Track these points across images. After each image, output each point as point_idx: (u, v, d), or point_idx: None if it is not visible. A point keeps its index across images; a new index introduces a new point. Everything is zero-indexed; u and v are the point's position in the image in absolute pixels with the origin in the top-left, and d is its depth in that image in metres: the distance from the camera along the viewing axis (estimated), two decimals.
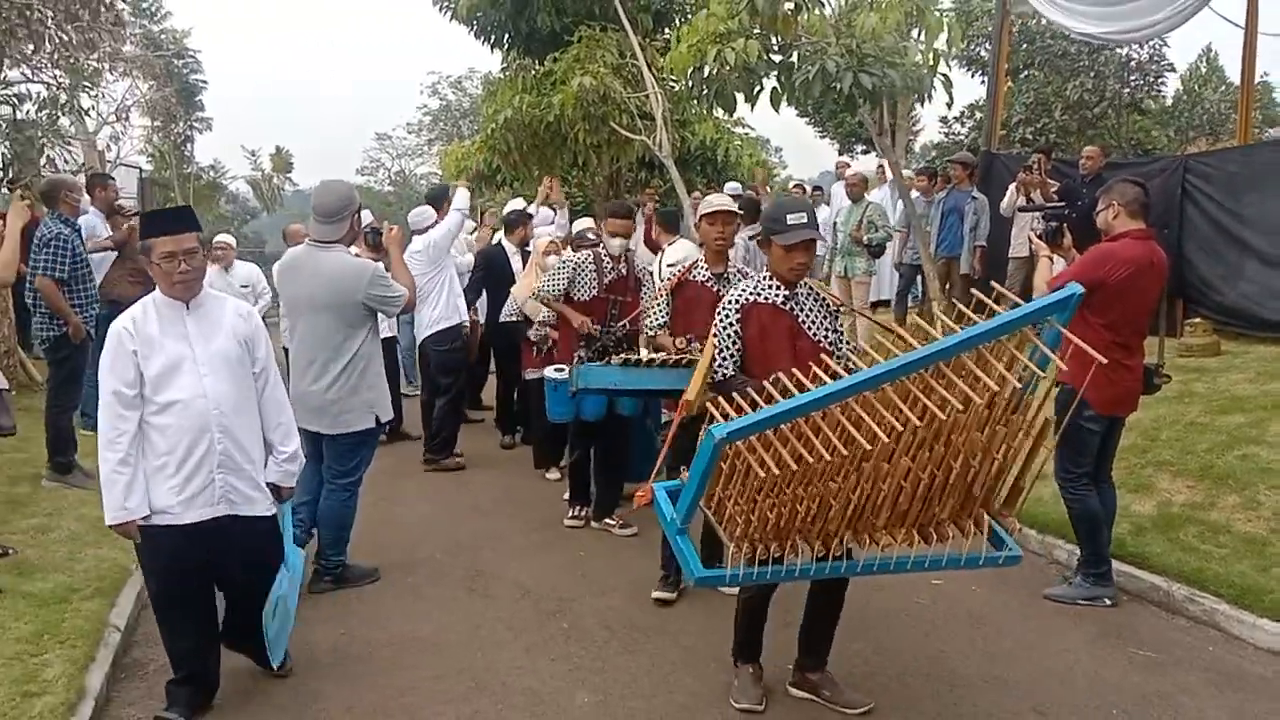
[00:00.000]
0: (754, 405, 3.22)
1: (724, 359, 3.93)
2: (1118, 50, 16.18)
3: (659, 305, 5.24)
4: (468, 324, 7.79)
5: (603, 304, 6.13)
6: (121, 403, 3.51)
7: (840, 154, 29.81)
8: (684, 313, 5.16)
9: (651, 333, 5.30)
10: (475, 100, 32.19)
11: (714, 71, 8.09)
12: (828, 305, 4.02)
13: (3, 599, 4.44)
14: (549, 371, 6.26)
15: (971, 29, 19.00)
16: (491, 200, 19.31)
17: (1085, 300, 4.64)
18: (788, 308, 3.92)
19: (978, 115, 21.72)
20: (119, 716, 3.85)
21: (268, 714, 3.87)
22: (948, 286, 10.13)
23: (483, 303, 8.36)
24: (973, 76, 21.58)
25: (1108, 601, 5.06)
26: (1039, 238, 5.51)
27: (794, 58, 8.21)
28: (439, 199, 7.78)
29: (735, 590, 4.99)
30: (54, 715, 3.49)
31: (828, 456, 3.07)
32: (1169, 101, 22.05)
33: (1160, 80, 17.42)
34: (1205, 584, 4.99)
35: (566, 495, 6.47)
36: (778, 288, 3.93)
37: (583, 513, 6.25)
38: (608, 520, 6.16)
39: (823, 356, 3.40)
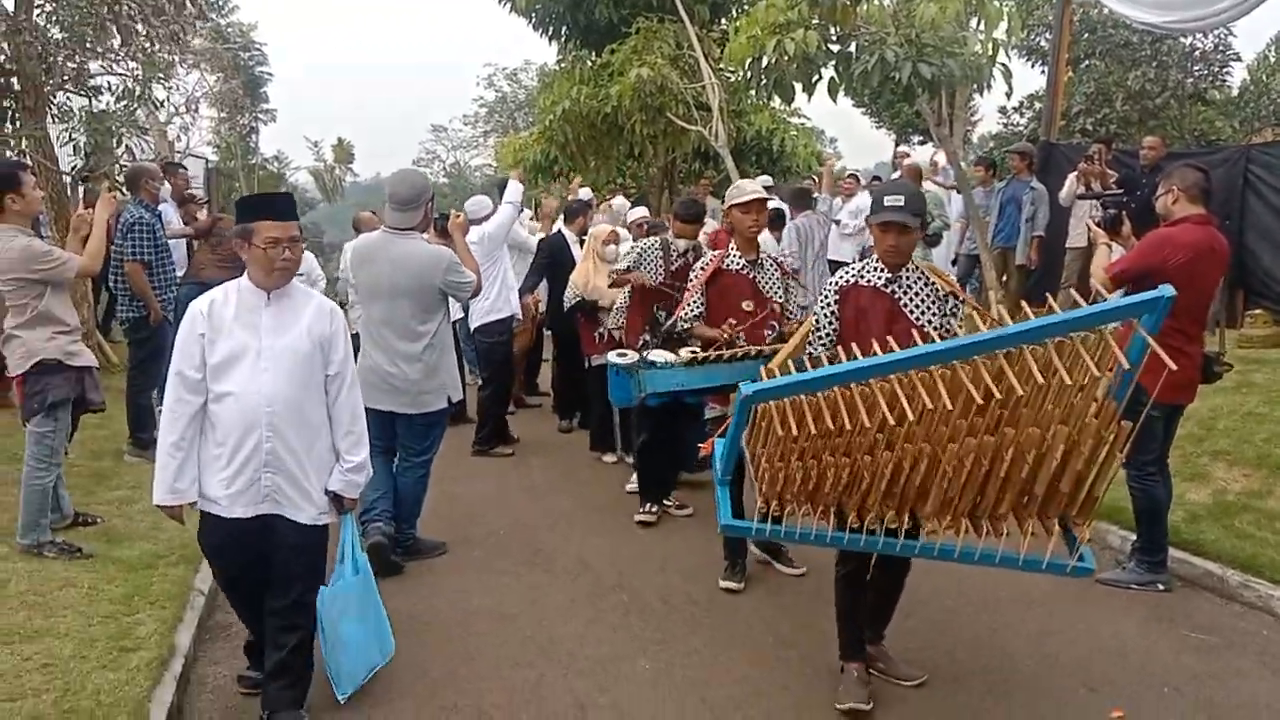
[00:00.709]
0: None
1: (817, 338, 3.97)
2: (1181, 40, 15.92)
3: (694, 297, 5.27)
4: (519, 318, 7.95)
5: (668, 290, 6.20)
6: (185, 385, 3.43)
7: (896, 144, 29.69)
8: (720, 303, 5.22)
9: (686, 324, 5.32)
10: (531, 92, 32.42)
11: (772, 62, 8.16)
12: (938, 289, 3.92)
13: (94, 564, 4.68)
14: (612, 356, 6.20)
15: (1032, 18, 18.79)
16: (548, 190, 19.54)
17: (1143, 286, 4.72)
18: (889, 290, 3.87)
19: (1037, 106, 21.45)
20: (206, 673, 4.07)
21: None
22: (1004, 278, 10.13)
23: (544, 290, 8.54)
24: (1032, 66, 21.30)
25: (1161, 587, 5.09)
26: (1097, 225, 5.52)
27: (852, 48, 8.25)
28: (503, 190, 7.96)
29: (796, 571, 5.19)
30: (149, 668, 3.71)
31: (848, 426, 3.17)
32: (1234, 92, 21.63)
33: (1225, 70, 17.12)
34: (1260, 570, 5.02)
35: (631, 486, 6.50)
36: (880, 270, 3.89)
37: (655, 510, 6.10)
38: (665, 501, 6.22)
39: (914, 333, 3.41)
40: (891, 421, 3.13)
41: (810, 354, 3.92)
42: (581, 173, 16.97)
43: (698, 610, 4.74)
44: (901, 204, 3.78)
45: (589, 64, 16.32)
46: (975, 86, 8.81)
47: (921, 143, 26.60)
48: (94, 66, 9.33)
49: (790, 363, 3.78)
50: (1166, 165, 8.78)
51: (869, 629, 4.07)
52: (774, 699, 3.89)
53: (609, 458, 7.55)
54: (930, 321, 3.86)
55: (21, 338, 4.60)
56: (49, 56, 7.81)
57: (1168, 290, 3.21)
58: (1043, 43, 19.77)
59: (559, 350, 8.68)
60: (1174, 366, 3.06)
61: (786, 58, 8.01)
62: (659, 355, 5.31)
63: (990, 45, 8.05)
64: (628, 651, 4.29)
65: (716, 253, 5.49)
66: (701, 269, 5.39)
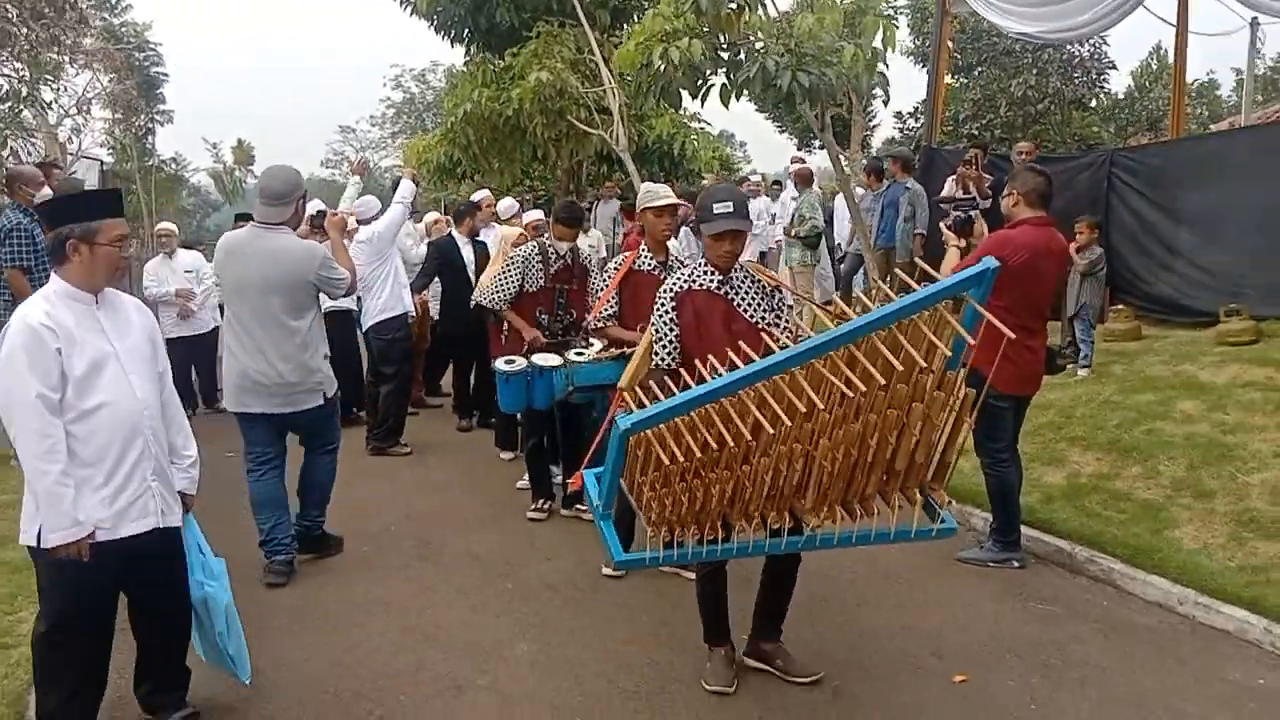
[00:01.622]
0: (670, 394, 3.35)
1: (661, 346, 4.05)
2: (1060, 49, 16.68)
3: (607, 299, 5.37)
4: (413, 314, 8.05)
5: (550, 294, 6.31)
6: (48, 408, 3.16)
7: (799, 148, 30.42)
8: (633, 302, 5.31)
9: (600, 324, 5.43)
10: (439, 94, 32.31)
11: (660, 69, 8.40)
12: (764, 286, 4.10)
13: None
14: (499, 364, 6.13)
15: (925, 26, 19.49)
16: (454, 193, 19.56)
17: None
18: (722, 292, 4.01)
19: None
20: None
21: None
22: (888, 277, 10.56)
23: (438, 292, 8.66)
24: (927, 73, 22.09)
25: (1016, 564, 5.43)
26: (948, 228, 5.87)
27: (740, 57, 8.54)
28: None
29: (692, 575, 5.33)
30: (29, 663, 3.76)
31: (730, 442, 3.22)
32: (1115, 98, 22.70)
33: (1103, 77, 17.97)
34: (1104, 545, 5.40)
35: (523, 483, 6.59)
36: (711, 273, 4.02)
37: (545, 505, 6.25)
38: (578, 507, 6.17)
39: (763, 336, 3.51)
40: (769, 429, 3.21)
41: (663, 364, 4.00)
42: (484, 174, 17.11)
43: (579, 595, 4.95)
44: (731, 210, 3.93)
45: (491, 67, 16.43)
46: (860, 93, 9.13)
47: (822, 147, 27.31)
48: None
49: (651, 382, 3.68)
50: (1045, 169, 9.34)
51: (766, 627, 4.16)
52: (643, 673, 4.12)
53: (505, 455, 7.70)
54: (763, 318, 4.02)
55: None
56: None
57: (991, 263, 3.43)
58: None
59: (454, 351, 8.80)
60: (1010, 335, 3.22)
61: (672, 65, 8.25)
62: (541, 358, 5.56)
63: (865, 55, 8.37)
64: (509, 636, 4.48)
65: (628, 254, 5.57)
66: (615, 269, 5.47)
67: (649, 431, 3.35)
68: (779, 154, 37.97)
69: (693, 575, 4.93)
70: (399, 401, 7.98)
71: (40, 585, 3.39)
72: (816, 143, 27.88)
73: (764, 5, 8.72)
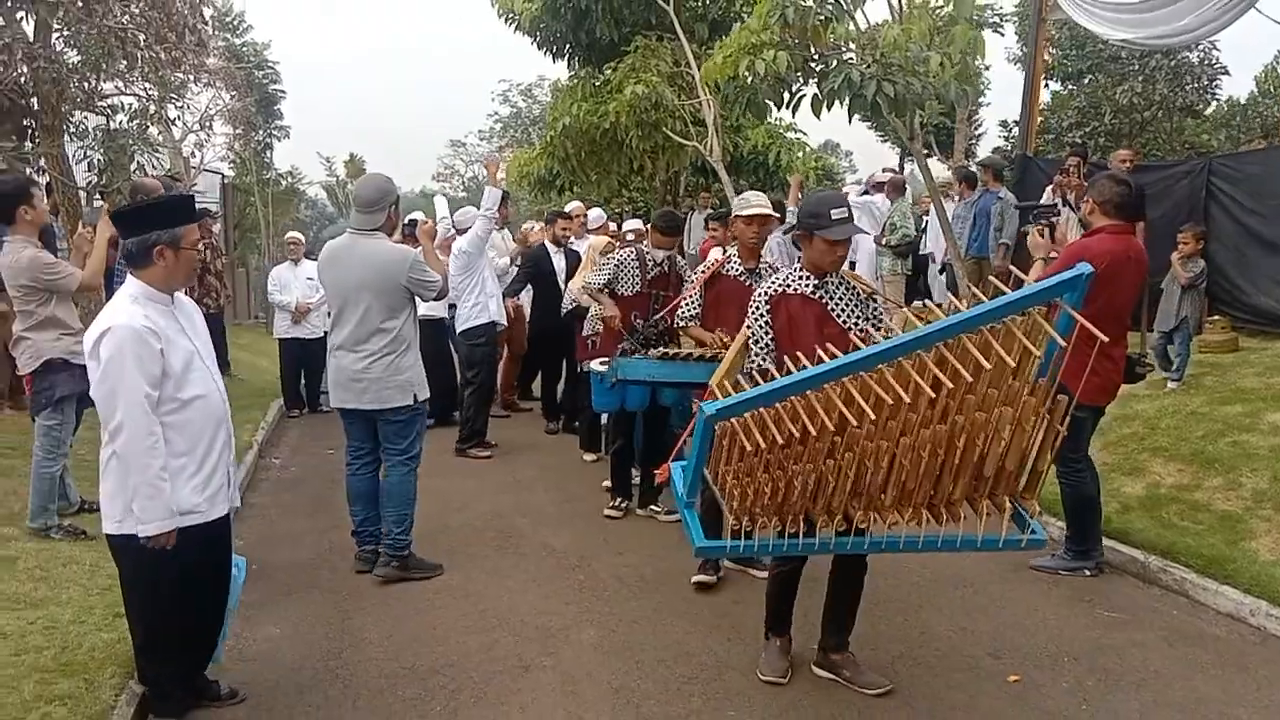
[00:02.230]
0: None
1: (758, 349, 4.13)
2: (1173, 54, 16.24)
3: (691, 298, 5.54)
4: (502, 323, 8.36)
5: (645, 299, 6.47)
6: (151, 405, 3.38)
7: (901, 157, 30.16)
8: (716, 306, 5.46)
9: (683, 324, 5.59)
10: (544, 108, 33.01)
11: (746, 81, 8.57)
12: (859, 293, 4.16)
13: (96, 544, 5.07)
14: (594, 364, 6.37)
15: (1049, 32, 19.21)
16: (556, 205, 20.01)
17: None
18: (817, 297, 4.08)
19: (1038, 119, 21.88)
20: None
21: (318, 644, 4.48)
22: (980, 284, 10.49)
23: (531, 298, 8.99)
24: (1023, 81, 21.61)
25: (1088, 573, 5.41)
26: (1037, 233, 5.87)
27: (826, 67, 8.65)
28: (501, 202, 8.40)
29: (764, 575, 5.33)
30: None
31: (814, 434, 3.27)
32: (1236, 104, 21.90)
33: (1215, 83, 17.42)
34: (1178, 555, 5.36)
35: (607, 483, 6.78)
36: (807, 278, 4.10)
37: (623, 505, 6.46)
38: (652, 507, 6.39)
39: (853, 340, 3.58)
40: (853, 422, 3.25)
41: (756, 365, 4.07)
42: (583, 186, 17.51)
43: (646, 587, 5.14)
44: (847, 216, 3.99)
45: (591, 81, 16.81)
46: (947, 102, 9.14)
47: (928, 156, 27.00)
48: (109, 87, 9.88)
49: (740, 377, 3.85)
50: (1142, 177, 9.21)
51: (833, 636, 4.17)
52: (700, 660, 4.28)
53: (589, 457, 7.94)
54: (856, 323, 4.06)
55: (31, 339, 5.05)
56: (65, 79, 8.34)
57: (1085, 268, 3.43)
58: (1046, 56, 20.19)
59: (543, 356, 9.09)
60: (1103, 337, 3.23)
61: (758, 77, 8.41)
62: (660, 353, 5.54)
63: (953, 64, 8.39)
64: (576, 622, 4.70)
65: (719, 258, 5.71)
66: (702, 271, 5.62)
67: (735, 421, 3.42)
68: (884, 162, 37.38)
69: (759, 573, 5.16)
70: (481, 405, 8.27)
71: (123, 567, 3.61)
72: (922, 151, 27.59)
73: (851, 17, 8.85)
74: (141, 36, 7.63)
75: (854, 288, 4.18)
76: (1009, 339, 3.28)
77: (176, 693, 3.71)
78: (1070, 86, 19.76)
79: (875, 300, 4.24)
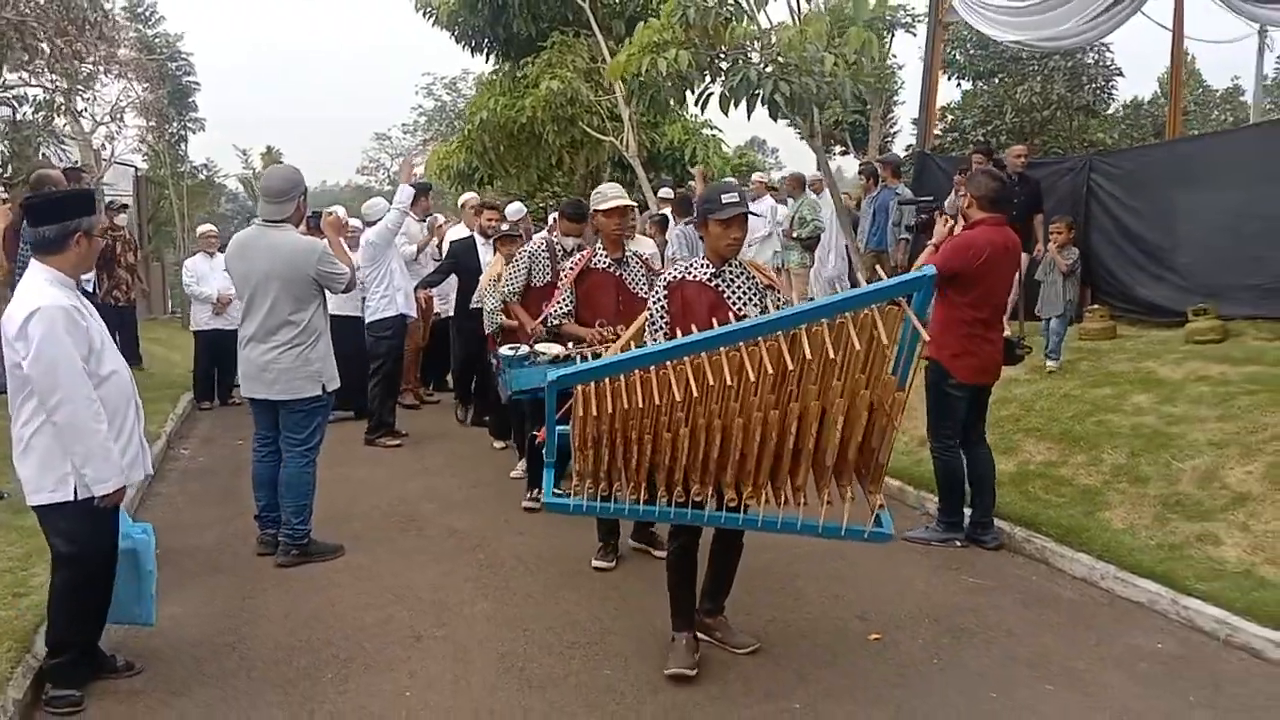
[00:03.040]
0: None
1: (652, 329, 4.27)
2: (1072, 55, 16.91)
3: (562, 296, 5.60)
4: (412, 315, 8.49)
5: (555, 289, 6.70)
6: (88, 374, 3.65)
7: (826, 152, 30.79)
8: (589, 299, 5.55)
9: (557, 322, 5.61)
10: (469, 101, 32.97)
11: (649, 78, 8.83)
12: (758, 283, 4.27)
13: (0, 530, 5.21)
14: (504, 350, 6.50)
15: (948, 33, 19.81)
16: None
17: (949, 281, 5.44)
18: (713, 284, 4.19)
19: (949, 117, 22.57)
20: None
21: (217, 622, 4.63)
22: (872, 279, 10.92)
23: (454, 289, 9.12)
24: (949, 80, 22.18)
25: (958, 543, 5.79)
26: (907, 227, 6.24)
27: (725, 66, 8.96)
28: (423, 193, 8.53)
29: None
30: (36, 609, 4.26)
31: (653, 402, 3.54)
32: (1139, 104, 22.89)
33: (1110, 84, 18.19)
34: (1039, 526, 5.76)
35: (516, 473, 6.95)
36: (705, 266, 4.22)
37: (538, 495, 6.31)
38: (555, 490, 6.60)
39: (715, 319, 3.76)
40: (678, 397, 3.51)
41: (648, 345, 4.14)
42: (502, 180, 17.65)
43: (542, 565, 5.37)
44: (738, 199, 4.13)
45: (508, 76, 16.97)
46: (845, 101, 9.49)
47: (843, 152, 27.64)
48: (13, 79, 9.79)
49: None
50: (1031, 173, 9.70)
51: (709, 601, 4.38)
52: (586, 628, 4.54)
53: (498, 444, 8.11)
54: (752, 312, 4.15)
55: None
56: None
57: (929, 270, 3.78)
58: (958, 56, 20.82)
59: (461, 346, 9.24)
60: (925, 337, 3.59)
61: (660, 75, 8.67)
62: (545, 347, 5.51)
63: (847, 65, 8.75)
64: (471, 597, 4.92)
65: (584, 252, 5.85)
66: (570, 268, 5.71)
67: (582, 387, 3.66)
68: (811, 160, 38.08)
69: (659, 554, 5.25)
70: (385, 396, 8.42)
71: (57, 539, 3.80)
72: (838, 149, 28.23)
73: (752, 18, 9.16)
74: (40, 29, 7.62)
75: (753, 278, 4.29)
76: (860, 333, 3.51)
77: (79, 664, 3.84)
78: (981, 85, 20.44)
79: (774, 290, 4.34)
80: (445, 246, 9.26)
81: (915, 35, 23.60)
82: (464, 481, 7.14)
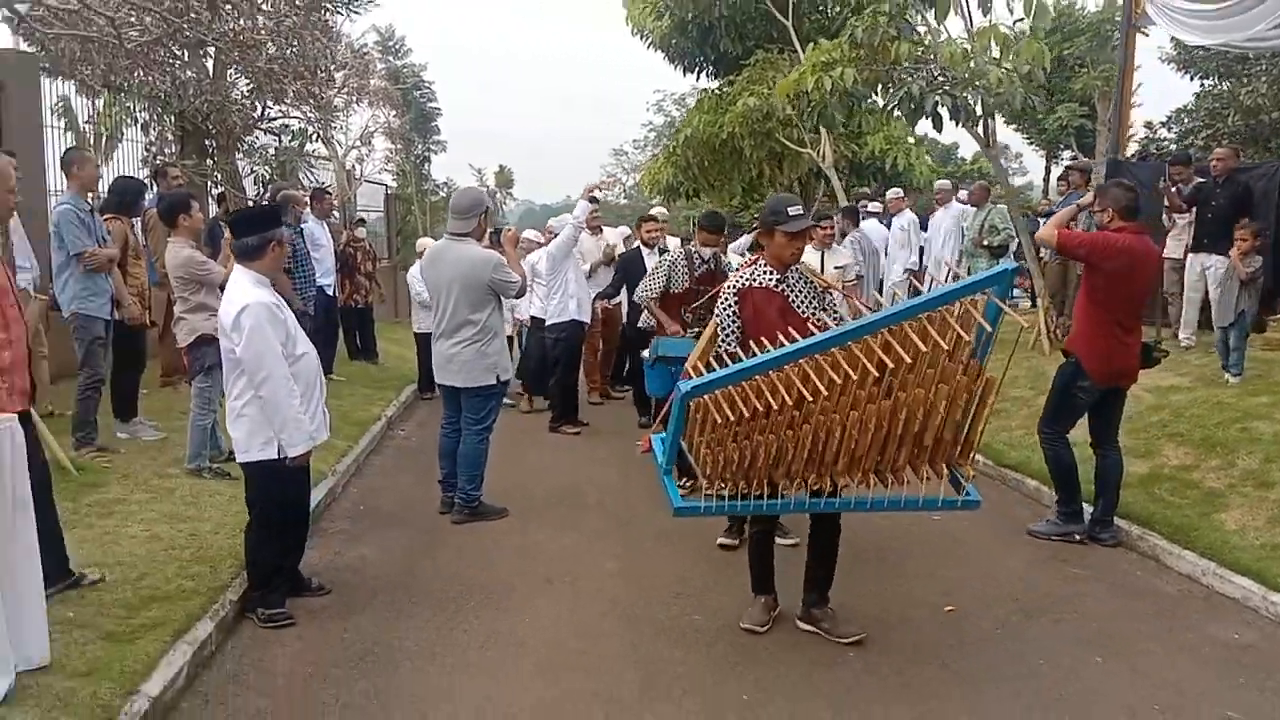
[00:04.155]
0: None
1: (726, 335, 4.64)
2: None
3: (725, 313, 6.07)
4: (583, 321, 9.32)
5: (693, 294, 7.34)
6: (286, 356, 4.50)
7: (1047, 159, 29.99)
8: (754, 319, 5.98)
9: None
10: (680, 119, 34.12)
11: (817, 95, 9.37)
12: (815, 287, 4.69)
13: (236, 483, 6.37)
14: (645, 354, 7.13)
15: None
16: (687, 210, 21.01)
17: (1088, 283, 5.75)
18: (779, 289, 4.59)
19: (1185, 120, 21.46)
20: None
21: (395, 561, 5.61)
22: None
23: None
24: (1188, 79, 20.92)
25: (1077, 536, 6.00)
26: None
27: (890, 83, 9.38)
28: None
29: (789, 542, 5.60)
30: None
31: (775, 408, 3.88)
32: None
33: None
34: (1154, 524, 5.92)
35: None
36: (770, 273, 4.60)
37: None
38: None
39: (811, 328, 4.18)
40: (809, 398, 3.86)
41: (726, 351, 4.52)
42: (706, 193, 18.50)
43: (674, 535, 6.00)
44: (803, 212, 4.59)
45: (715, 93, 17.76)
46: (1016, 109, 9.65)
47: (1073, 157, 26.72)
48: (274, 111, 11.52)
49: (712, 360, 4.39)
50: (1238, 176, 9.50)
51: (814, 592, 4.65)
52: (693, 584, 5.23)
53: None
54: (813, 314, 4.54)
55: (187, 319, 6.39)
56: (229, 108, 9.94)
57: (1010, 265, 4.12)
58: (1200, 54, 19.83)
59: (631, 351, 10.06)
60: (1021, 321, 3.93)
61: (826, 92, 9.19)
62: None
63: (1016, 76, 8.94)
64: (603, 557, 5.69)
65: (704, 258, 6.53)
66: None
67: (706, 397, 4.01)
68: (1031, 164, 37.02)
69: (786, 541, 5.62)
70: (563, 392, 9.34)
71: (256, 492, 4.78)
72: (1066, 154, 27.29)
73: (917, 33, 9.52)
74: (284, 76, 9.13)
75: (811, 282, 4.72)
76: (944, 326, 3.85)
77: (279, 585, 4.87)
78: (1207, 85, 19.38)
79: (830, 293, 4.80)
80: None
81: (1147, 35, 22.65)
82: (626, 470, 7.86)
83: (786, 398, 3.87)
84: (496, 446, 6.68)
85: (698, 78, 19.85)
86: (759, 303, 4.58)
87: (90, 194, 7.04)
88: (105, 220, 6.91)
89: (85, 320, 6.62)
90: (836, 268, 8.66)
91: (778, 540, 5.48)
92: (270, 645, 4.44)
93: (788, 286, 4.63)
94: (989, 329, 3.97)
